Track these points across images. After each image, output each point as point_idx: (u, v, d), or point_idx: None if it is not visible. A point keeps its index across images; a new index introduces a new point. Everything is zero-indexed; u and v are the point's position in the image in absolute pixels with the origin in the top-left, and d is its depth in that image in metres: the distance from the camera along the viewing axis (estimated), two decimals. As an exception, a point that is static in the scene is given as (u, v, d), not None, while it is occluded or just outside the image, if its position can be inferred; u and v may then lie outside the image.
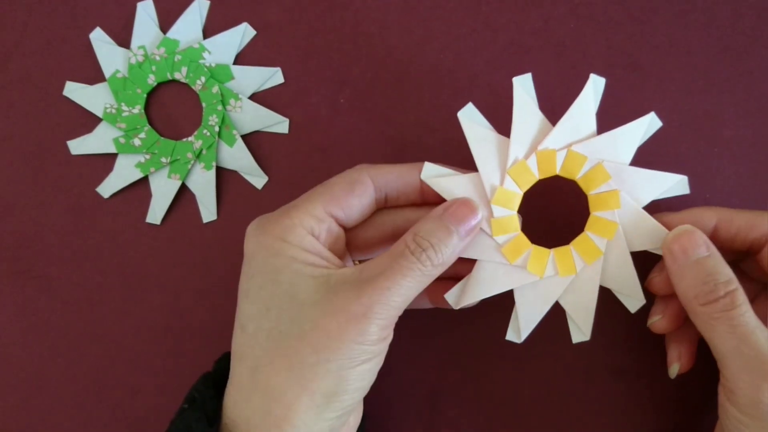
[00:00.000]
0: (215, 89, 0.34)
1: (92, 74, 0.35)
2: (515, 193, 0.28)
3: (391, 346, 0.34)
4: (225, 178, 0.35)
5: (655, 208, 0.28)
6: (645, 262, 0.29)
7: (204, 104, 0.34)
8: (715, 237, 0.27)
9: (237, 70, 0.34)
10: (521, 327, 0.28)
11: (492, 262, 0.28)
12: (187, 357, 0.35)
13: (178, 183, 0.34)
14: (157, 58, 0.34)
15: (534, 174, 0.28)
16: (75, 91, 0.35)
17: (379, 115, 0.34)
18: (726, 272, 0.26)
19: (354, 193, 0.27)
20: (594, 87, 0.27)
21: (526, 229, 0.29)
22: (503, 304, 0.33)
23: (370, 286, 0.24)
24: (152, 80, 0.34)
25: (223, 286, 0.35)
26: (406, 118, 0.34)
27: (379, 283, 0.24)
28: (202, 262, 0.35)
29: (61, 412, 0.35)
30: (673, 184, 0.27)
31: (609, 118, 0.30)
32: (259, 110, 0.34)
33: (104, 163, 0.35)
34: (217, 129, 0.34)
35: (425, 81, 0.34)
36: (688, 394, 0.32)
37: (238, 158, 0.34)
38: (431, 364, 0.34)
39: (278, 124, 0.34)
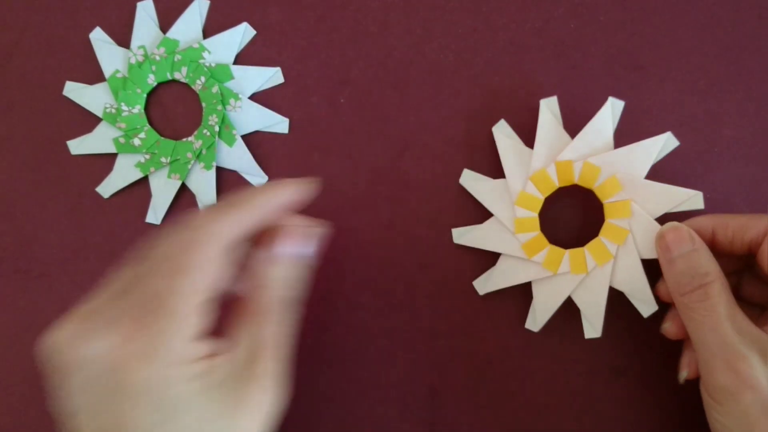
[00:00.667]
0: (215, 89, 0.34)
1: (92, 74, 0.35)
2: (536, 197, 0.31)
3: (392, 345, 0.34)
4: (225, 177, 0.35)
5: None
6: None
7: (204, 104, 0.34)
8: (713, 242, 0.29)
9: (237, 70, 0.34)
10: (537, 317, 0.31)
11: (513, 257, 0.31)
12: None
13: (178, 183, 0.34)
14: (157, 58, 0.34)
15: (554, 181, 0.31)
16: (75, 90, 0.35)
17: (379, 115, 0.34)
18: (706, 265, 0.27)
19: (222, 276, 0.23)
20: (612, 108, 0.30)
21: (546, 230, 0.31)
22: (504, 305, 0.33)
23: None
24: (152, 80, 0.34)
25: (223, 286, 0.35)
26: (406, 118, 0.34)
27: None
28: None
29: (61, 412, 0.35)
30: (686, 198, 0.29)
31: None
32: (259, 110, 0.34)
33: (104, 163, 0.35)
34: (216, 129, 0.34)
35: (425, 81, 0.34)
36: (688, 395, 0.32)
37: (238, 158, 0.34)
38: (431, 364, 0.34)
39: (278, 124, 0.34)
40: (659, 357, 0.32)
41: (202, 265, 0.22)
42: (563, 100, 0.32)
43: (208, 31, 0.35)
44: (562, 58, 0.33)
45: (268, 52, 0.35)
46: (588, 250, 0.31)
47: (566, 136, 0.31)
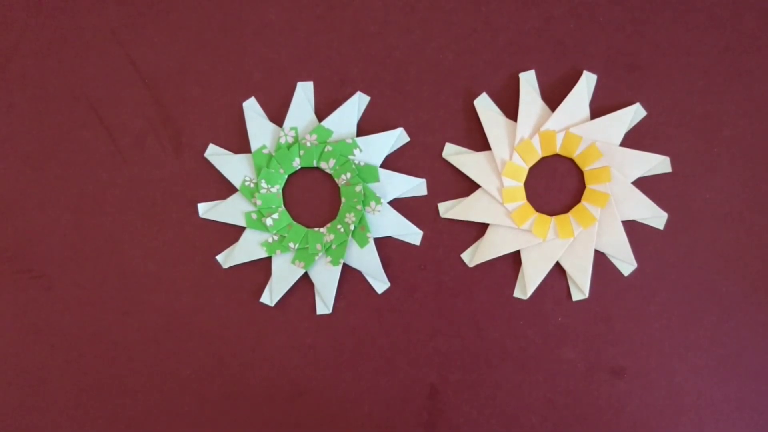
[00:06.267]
0: (359, 188, 0.33)
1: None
2: (522, 167, 0.33)
3: (392, 346, 0.34)
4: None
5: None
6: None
7: (344, 200, 0.33)
8: None
9: (384, 173, 0.33)
10: (527, 284, 0.33)
11: (502, 226, 0.33)
12: (187, 357, 0.35)
13: (302, 271, 0.33)
14: (308, 144, 0.33)
15: (537, 151, 0.33)
16: (217, 156, 0.34)
17: (379, 115, 0.34)
18: None
19: None
20: (587, 81, 0.32)
21: (529, 200, 0.33)
22: (503, 306, 0.33)
23: None
24: (297, 164, 0.33)
25: (223, 286, 0.35)
26: (407, 118, 0.34)
27: None
28: (202, 261, 0.35)
29: (61, 412, 0.35)
30: (657, 163, 0.32)
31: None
32: (397, 218, 0.33)
33: (107, 166, 0.35)
34: (352, 228, 0.33)
35: (425, 81, 0.34)
36: (687, 395, 0.32)
37: (366, 260, 0.33)
38: (431, 364, 0.34)
39: (412, 234, 0.33)
40: (659, 357, 0.32)
41: None
42: (562, 100, 0.33)
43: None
44: (562, 58, 0.33)
45: (267, 52, 0.35)
46: (573, 216, 0.32)
47: (545, 107, 0.33)
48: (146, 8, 0.35)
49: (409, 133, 0.34)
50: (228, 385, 0.34)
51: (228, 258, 0.34)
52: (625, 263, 0.32)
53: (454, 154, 0.33)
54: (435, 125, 0.34)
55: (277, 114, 0.34)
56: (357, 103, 0.34)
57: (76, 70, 0.35)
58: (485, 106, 0.33)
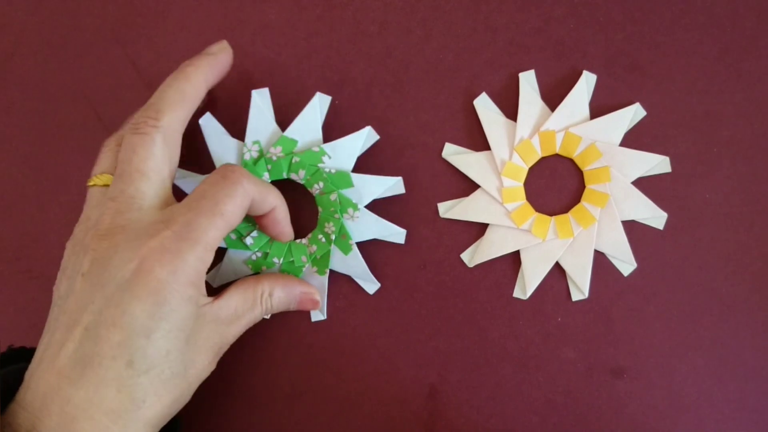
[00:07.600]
0: (333, 196, 0.31)
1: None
2: (521, 167, 0.33)
3: (392, 346, 0.34)
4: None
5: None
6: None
7: (321, 209, 0.32)
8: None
9: (356, 178, 0.32)
10: (526, 285, 0.33)
11: (502, 227, 0.33)
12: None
13: None
14: (274, 158, 0.32)
15: (537, 151, 0.33)
16: (184, 178, 0.33)
17: (379, 115, 0.34)
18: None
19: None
20: (586, 81, 0.32)
21: (529, 200, 0.33)
22: (503, 306, 0.33)
23: (234, 327, 0.30)
24: (266, 178, 0.32)
25: (221, 288, 0.35)
26: (406, 118, 0.34)
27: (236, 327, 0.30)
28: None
29: (61, 412, 0.35)
30: (657, 163, 0.32)
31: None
32: (377, 221, 0.32)
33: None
34: (333, 237, 0.32)
35: (425, 81, 0.34)
36: (687, 395, 0.32)
37: (353, 266, 0.33)
38: (431, 364, 0.34)
39: (395, 234, 0.33)
40: (659, 357, 0.32)
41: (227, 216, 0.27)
42: (562, 101, 0.33)
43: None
44: (562, 58, 0.33)
45: (267, 52, 0.35)
46: (572, 215, 0.32)
47: (545, 107, 0.33)
48: (146, 8, 0.35)
49: (409, 133, 0.34)
50: (227, 385, 0.34)
51: (216, 278, 0.33)
52: (625, 263, 0.32)
53: (453, 154, 0.33)
54: (435, 125, 0.34)
55: (277, 114, 0.34)
56: (318, 107, 0.32)
57: (76, 70, 0.35)
58: (485, 106, 0.33)
